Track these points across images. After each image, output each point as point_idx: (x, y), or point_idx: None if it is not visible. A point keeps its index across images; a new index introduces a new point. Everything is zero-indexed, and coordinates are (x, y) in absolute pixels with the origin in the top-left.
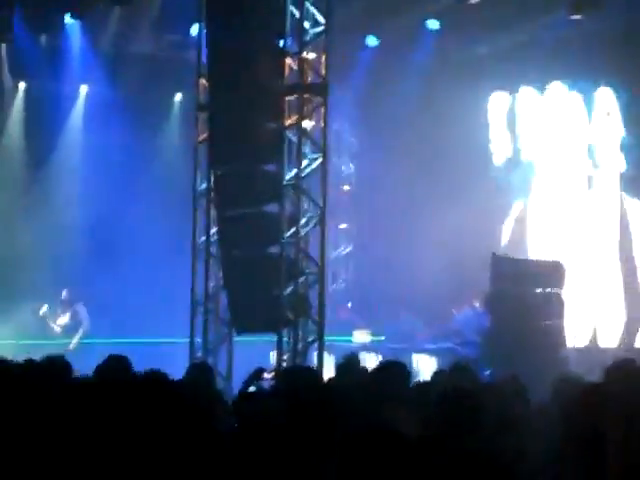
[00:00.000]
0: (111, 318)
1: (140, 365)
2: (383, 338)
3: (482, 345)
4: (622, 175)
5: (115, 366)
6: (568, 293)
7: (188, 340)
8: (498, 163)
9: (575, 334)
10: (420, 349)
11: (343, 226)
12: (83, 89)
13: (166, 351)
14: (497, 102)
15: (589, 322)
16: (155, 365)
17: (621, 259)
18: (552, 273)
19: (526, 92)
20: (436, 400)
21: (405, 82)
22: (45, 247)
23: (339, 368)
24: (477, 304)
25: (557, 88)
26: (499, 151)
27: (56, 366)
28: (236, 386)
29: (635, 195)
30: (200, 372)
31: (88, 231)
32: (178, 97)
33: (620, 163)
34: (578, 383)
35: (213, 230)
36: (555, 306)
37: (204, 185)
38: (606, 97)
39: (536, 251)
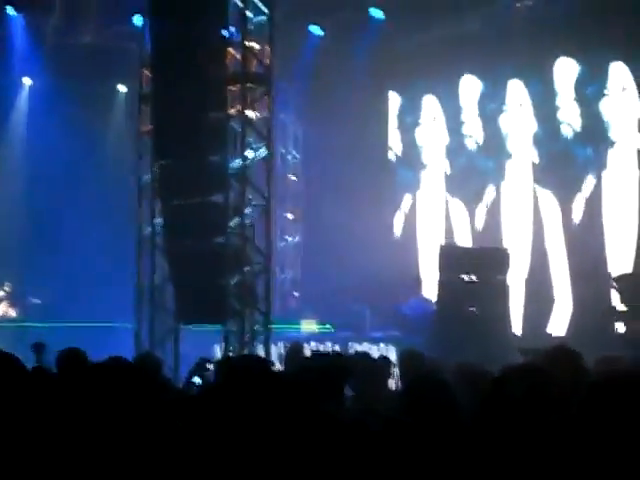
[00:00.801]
0: (49, 300)
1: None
2: (331, 327)
3: (429, 333)
4: (535, 165)
5: (72, 357)
6: (512, 279)
7: (128, 326)
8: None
9: (520, 320)
10: (367, 338)
11: (291, 216)
12: (26, 81)
13: (106, 335)
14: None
15: (535, 308)
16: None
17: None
18: (496, 260)
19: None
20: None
21: (350, 72)
22: None
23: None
24: (424, 293)
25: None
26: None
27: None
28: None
29: (546, 186)
30: (148, 362)
31: (31, 222)
32: (122, 88)
33: (533, 154)
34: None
35: (157, 221)
36: (500, 292)
37: (148, 176)
38: (518, 89)
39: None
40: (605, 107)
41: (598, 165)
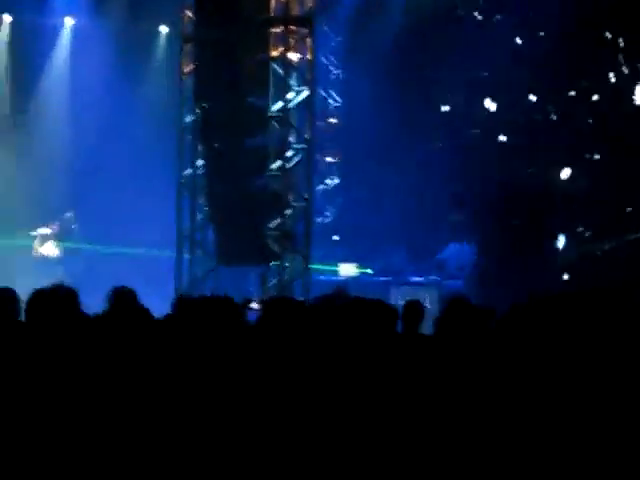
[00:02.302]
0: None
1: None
2: (370, 271)
3: (467, 278)
4: None
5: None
6: None
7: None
8: None
9: None
10: (406, 282)
11: (330, 159)
12: (68, 21)
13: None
14: None
15: None
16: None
17: None
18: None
19: None
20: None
21: (393, 12)
22: (32, 178)
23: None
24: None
25: None
26: None
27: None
28: None
29: None
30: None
31: (75, 162)
32: (163, 29)
33: None
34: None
35: (199, 163)
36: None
37: (189, 118)
38: None
39: None
40: None
41: None
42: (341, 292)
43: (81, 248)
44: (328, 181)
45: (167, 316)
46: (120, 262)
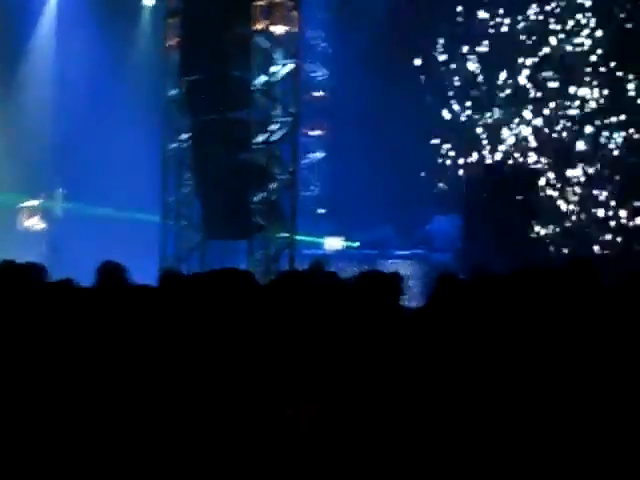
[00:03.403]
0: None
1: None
2: (357, 244)
3: (455, 250)
4: None
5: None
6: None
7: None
8: None
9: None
10: (393, 255)
11: (316, 132)
12: None
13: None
14: None
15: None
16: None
17: None
18: (526, 178)
19: None
20: None
21: None
22: (17, 150)
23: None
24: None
25: None
26: None
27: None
28: None
29: None
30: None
31: (58, 135)
32: (148, 2)
33: None
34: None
35: (183, 137)
36: (529, 209)
37: (174, 91)
38: None
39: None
40: None
41: None
42: (319, 266)
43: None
44: (313, 154)
45: (157, 290)
46: (107, 231)
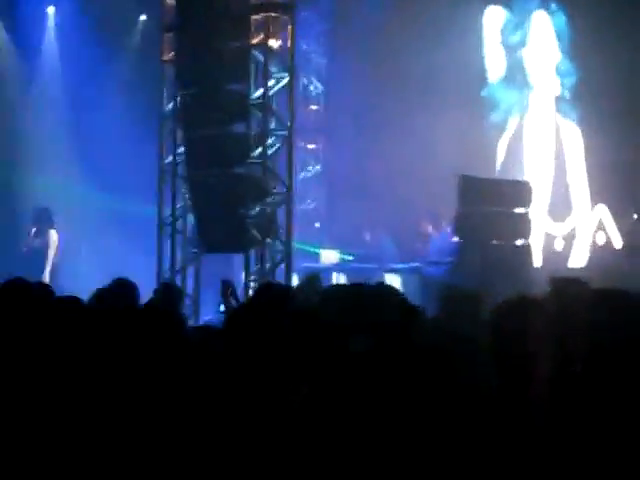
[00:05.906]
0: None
1: None
2: (351, 258)
3: (450, 265)
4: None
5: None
6: (535, 213)
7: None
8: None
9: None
10: (388, 269)
11: (312, 146)
12: (50, 10)
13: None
14: (491, 17)
15: (556, 242)
16: None
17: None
18: (519, 192)
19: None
20: None
21: None
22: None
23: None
24: (445, 225)
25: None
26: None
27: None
28: (203, 304)
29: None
30: (167, 294)
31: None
32: (142, 16)
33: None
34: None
35: (180, 150)
36: (522, 226)
37: (170, 105)
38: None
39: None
40: None
41: None
42: (313, 281)
43: None
44: (311, 168)
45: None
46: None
